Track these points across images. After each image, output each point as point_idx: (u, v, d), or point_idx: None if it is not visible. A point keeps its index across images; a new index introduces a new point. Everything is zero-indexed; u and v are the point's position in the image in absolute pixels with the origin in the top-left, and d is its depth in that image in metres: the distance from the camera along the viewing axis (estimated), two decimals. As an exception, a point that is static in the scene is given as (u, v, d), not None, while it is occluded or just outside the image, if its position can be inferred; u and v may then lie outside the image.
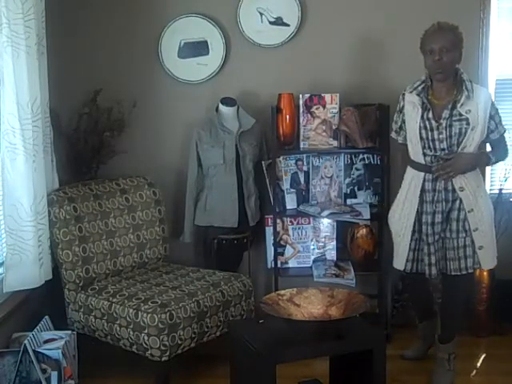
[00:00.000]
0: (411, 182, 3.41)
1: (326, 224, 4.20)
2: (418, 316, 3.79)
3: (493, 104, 3.33)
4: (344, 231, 4.18)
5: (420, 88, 3.36)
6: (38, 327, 3.40)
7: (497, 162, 3.44)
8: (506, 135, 3.41)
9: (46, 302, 3.72)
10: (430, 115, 3.29)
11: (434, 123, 3.28)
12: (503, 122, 4.13)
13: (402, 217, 3.45)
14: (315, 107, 4.03)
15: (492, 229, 3.44)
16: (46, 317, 3.53)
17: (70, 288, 3.65)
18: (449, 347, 3.52)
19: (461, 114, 3.25)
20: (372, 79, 4.19)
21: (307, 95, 4.02)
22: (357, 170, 4.17)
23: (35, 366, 3.15)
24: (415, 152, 3.38)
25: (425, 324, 3.75)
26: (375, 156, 4.12)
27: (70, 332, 3.47)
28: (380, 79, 4.17)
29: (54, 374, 3.19)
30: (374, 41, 4.17)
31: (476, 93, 3.28)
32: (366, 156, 4.15)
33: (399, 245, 3.49)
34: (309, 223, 4.21)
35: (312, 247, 4.23)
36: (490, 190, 4.28)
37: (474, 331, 4.10)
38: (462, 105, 3.25)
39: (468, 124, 3.25)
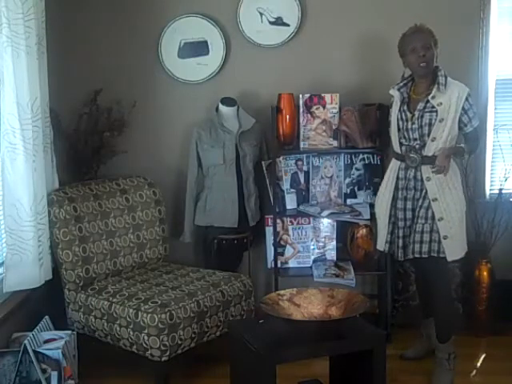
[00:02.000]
0: (391, 170, 3.62)
1: (325, 224, 4.20)
2: (424, 310, 3.80)
3: (467, 99, 3.43)
4: (344, 231, 4.18)
5: (401, 84, 3.57)
6: (37, 327, 3.40)
7: (469, 154, 3.54)
8: (478, 129, 3.54)
9: (45, 302, 3.72)
10: (406, 107, 3.51)
11: (408, 114, 3.48)
12: (503, 122, 4.15)
13: (382, 201, 3.65)
14: (315, 107, 4.03)
15: (461, 220, 3.51)
16: (46, 317, 3.52)
17: (70, 288, 3.65)
18: (448, 347, 3.53)
19: (433, 106, 3.42)
20: (372, 79, 4.19)
21: (307, 95, 4.02)
22: (357, 169, 4.18)
23: (35, 366, 3.15)
24: (394, 142, 3.57)
25: (428, 321, 3.75)
26: (375, 156, 4.13)
27: (70, 332, 3.46)
28: (380, 79, 4.17)
29: (54, 374, 3.19)
30: (374, 41, 4.17)
31: (450, 87, 3.43)
32: (365, 156, 4.15)
33: (380, 227, 3.68)
34: (309, 223, 4.21)
35: (312, 247, 4.23)
36: (490, 189, 4.28)
37: (474, 331, 4.10)
38: (433, 97, 3.42)
39: (437, 115, 3.40)
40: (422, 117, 3.43)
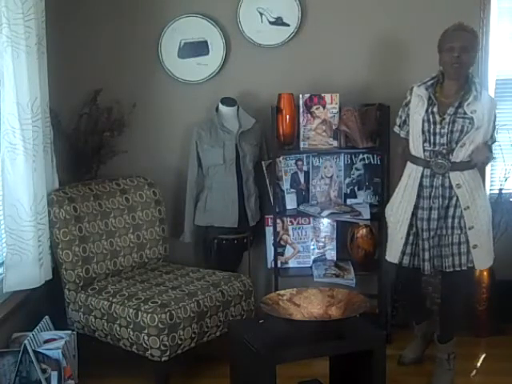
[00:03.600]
0: (410, 177, 3.43)
1: (325, 224, 4.20)
2: (414, 318, 3.76)
3: (495, 109, 3.39)
4: (344, 231, 4.18)
5: (429, 83, 3.39)
6: (37, 327, 3.40)
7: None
8: (494, 144, 3.49)
9: (45, 302, 3.72)
10: (435, 109, 3.32)
11: (437, 117, 3.31)
12: (503, 122, 4.15)
13: (399, 210, 3.46)
14: (315, 107, 4.03)
15: (489, 229, 3.44)
16: (46, 317, 3.52)
17: (70, 288, 3.65)
18: (448, 347, 3.52)
19: (465, 113, 3.28)
20: (372, 79, 4.19)
21: (307, 95, 4.02)
22: (357, 169, 4.17)
23: (35, 366, 3.15)
24: (416, 146, 3.40)
25: (422, 325, 3.74)
26: (375, 156, 4.13)
27: (70, 332, 3.47)
28: (380, 79, 4.17)
29: (54, 374, 3.19)
30: (374, 41, 4.16)
31: (484, 96, 3.33)
32: (365, 156, 4.15)
33: (394, 238, 3.50)
34: (309, 223, 4.21)
35: (312, 247, 4.23)
36: (490, 189, 4.28)
37: (474, 331, 4.10)
38: (468, 104, 3.28)
39: (471, 123, 3.27)
40: (454, 122, 3.27)
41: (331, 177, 4.18)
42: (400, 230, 3.45)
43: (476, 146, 3.30)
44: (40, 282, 3.51)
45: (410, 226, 3.42)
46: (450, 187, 3.33)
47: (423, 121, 3.34)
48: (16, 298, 3.54)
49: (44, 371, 3.18)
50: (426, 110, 3.34)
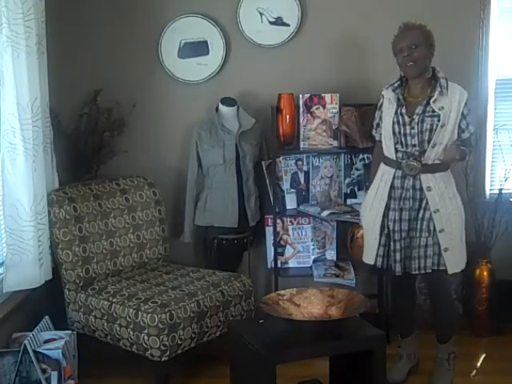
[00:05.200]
0: (382, 178, 3.43)
1: (325, 224, 4.20)
2: (401, 329, 3.67)
3: (466, 104, 3.32)
4: (344, 231, 4.17)
5: (396, 85, 3.41)
6: (37, 327, 3.39)
7: (459, 162, 3.46)
8: (473, 137, 3.43)
9: (45, 302, 3.72)
10: (404, 110, 3.33)
11: (406, 118, 3.31)
12: (503, 122, 4.15)
13: (371, 211, 3.47)
14: (315, 107, 4.03)
15: (461, 232, 3.40)
16: (46, 317, 3.52)
17: (70, 288, 3.65)
18: (448, 347, 3.52)
19: (433, 111, 3.28)
20: (372, 79, 4.18)
21: (307, 95, 4.03)
22: (357, 170, 4.18)
23: (35, 366, 3.15)
24: (388, 147, 3.40)
25: (407, 341, 3.64)
26: (375, 156, 4.13)
27: (70, 332, 3.46)
28: (380, 79, 4.15)
29: (54, 374, 3.19)
30: (374, 41, 4.16)
31: (451, 90, 3.30)
32: (366, 156, 4.15)
33: (368, 239, 3.51)
34: (309, 223, 4.21)
35: (312, 247, 4.23)
36: (490, 189, 4.28)
37: (474, 331, 4.10)
38: (435, 101, 3.27)
39: (439, 120, 3.26)
40: (423, 121, 3.27)
41: (331, 177, 4.18)
42: (373, 231, 3.45)
43: (444, 145, 3.28)
44: (40, 282, 3.51)
45: (382, 227, 3.42)
46: (421, 189, 3.32)
47: (393, 123, 3.34)
48: (16, 298, 3.54)
49: (44, 371, 3.18)
50: (396, 112, 3.34)
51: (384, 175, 3.42)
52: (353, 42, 4.20)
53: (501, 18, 4.17)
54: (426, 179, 3.31)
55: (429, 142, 3.28)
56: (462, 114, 3.30)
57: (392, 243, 3.40)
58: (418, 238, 3.35)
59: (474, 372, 3.73)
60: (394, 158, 3.37)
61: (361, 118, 3.97)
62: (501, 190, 4.17)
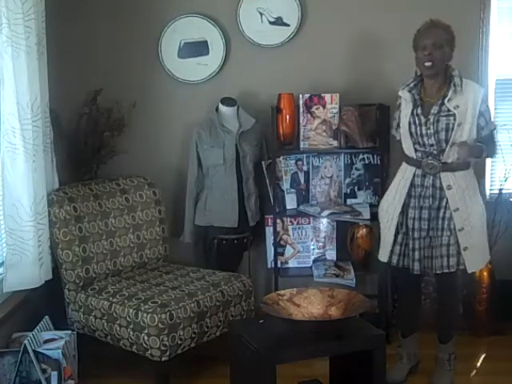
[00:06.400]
0: (403, 177, 3.44)
1: (325, 224, 4.20)
2: (405, 329, 3.65)
3: (484, 101, 3.31)
4: (344, 231, 4.18)
5: (412, 85, 3.39)
6: (38, 327, 3.40)
7: (487, 157, 3.45)
8: (495, 132, 3.41)
9: (45, 302, 3.71)
10: (419, 111, 3.33)
11: (422, 119, 3.31)
12: (503, 122, 4.14)
13: (389, 209, 3.47)
14: (315, 107, 4.03)
15: (482, 231, 3.40)
16: (46, 317, 3.53)
17: (70, 288, 3.65)
18: (449, 347, 3.52)
19: (449, 110, 3.26)
20: (372, 79, 4.19)
21: (307, 95, 4.03)
22: (357, 170, 4.17)
23: (35, 366, 3.15)
24: (407, 147, 3.41)
25: (408, 340, 3.63)
26: (375, 156, 4.12)
27: (70, 332, 3.47)
28: (380, 79, 4.17)
29: (54, 374, 3.19)
30: (374, 41, 4.17)
31: (466, 88, 3.28)
32: (366, 156, 4.15)
33: (384, 237, 3.51)
34: (309, 223, 4.21)
35: (312, 247, 4.23)
36: (490, 189, 4.28)
37: (474, 331, 4.10)
38: (449, 100, 3.26)
39: (455, 120, 3.25)
40: (438, 121, 3.26)
41: (331, 177, 4.18)
42: (390, 229, 3.45)
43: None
44: (40, 282, 3.51)
45: (400, 225, 3.42)
46: (441, 188, 3.32)
47: (409, 123, 3.34)
48: (16, 298, 3.54)
49: (44, 371, 3.18)
50: (412, 112, 3.34)
51: (405, 174, 3.42)
52: (353, 41, 4.19)
53: (501, 18, 4.17)
54: (447, 178, 3.31)
55: (446, 141, 3.27)
56: (480, 111, 3.28)
57: (411, 241, 3.38)
58: (439, 237, 3.34)
59: (474, 372, 3.74)
60: (414, 157, 3.37)
61: (361, 118, 3.98)
62: (501, 190, 4.17)
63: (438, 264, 3.36)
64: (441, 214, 3.34)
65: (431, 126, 3.28)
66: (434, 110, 3.29)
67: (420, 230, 3.37)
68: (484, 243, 3.44)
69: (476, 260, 3.40)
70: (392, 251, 3.45)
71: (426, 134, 3.30)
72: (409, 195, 3.39)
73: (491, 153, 3.45)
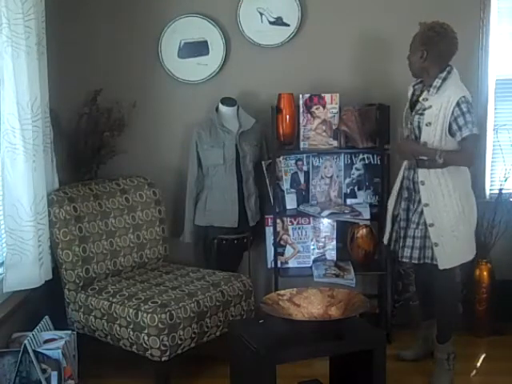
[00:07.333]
0: (401, 168, 3.62)
1: (325, 224, 4.20)
2: (423, 311, 3.78)
3: (459, 105, 3.26)
4: (344, 231, 4.18)
5: (418, 81, 3.55)
6: (38, 327, 3.40)
7: (450, 165, 3.33)
8: (469, 140, 3.28)
9: (46, 302, 3.72)
10: (409, 106, 3.51)
11: (409, 115, 3.49)
12: (503, 122, 4.13)
13: (391, 198, 3.66)
14: (315, 107, 4.03)
15: (453, 229, 3.37)
16: (46, 317, 3.53)
17: (70, 288, 3.65)
18: (448, 347, 3.53)
19: (423, 109, 3.38)
20: (372, 79, 4.19)
21: (307, 95, 4.03)
22: (357, 169, 4.17)
23: (35, 366, 3.15)
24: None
25: (428, 323, 3.73)
26: (375, 156, 4.12)
27: (69, 332, 3.47)
28: (380, 79, 4.17)
29: (54, 374, 3.19)
30: (374, 41, 4.17)
31: (444, 92, 3.33)
32: (366, 156, 4.15)
33: (387, 222, 3.69)
34: (309, 223, 4.21)
35: (312, 247, 4.23)
36: (490, 189, 4.28)
37: (474, 331, 4.11)
38: (424, 99, 3.38)
39: (424, 119, 3.36)
40: (413, 119, 3.41)
41: (331, 177, 4.18)
42: (389, 216, 3.65)
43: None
44: (40, 282, 3.51)
45: (393, 213, 3.60)
46: (417, 183, 3.44)
47: (404, 117, 3.53)
48: (16, 298, 3.54)
49: (44, 371, 3.18)
50: (406, 107, 3.53)
51: (402, 165, 3.60)
52: (353, 41, 4.19)
53: (501, 18, 4.17)
54: (422, 173, 3.41)
55: (417, 138, 3.40)
56: (453, 114, 3.28)
57: (398, 229, 3.55)
58: (409, 228, 3.47)
59: (474, 372, 3.74)
60: None
61: (361, 118, 3.98)
62: (501, 190, 4.17)
63: (405, 253, 3.48)
64: (414, 207, 3.46)
65: (412, 122, 3.42)
66: (417, 107, 3.41)
67: (407, 220, 3.51)
68: (456, 242, 3.40)
69: (447, 258, 3.40)
70: (390, 237, 3.65)
71: (410, 129, 3.46)
72: (401, 186, 3.56)
73: (460, 160, 3.35)
